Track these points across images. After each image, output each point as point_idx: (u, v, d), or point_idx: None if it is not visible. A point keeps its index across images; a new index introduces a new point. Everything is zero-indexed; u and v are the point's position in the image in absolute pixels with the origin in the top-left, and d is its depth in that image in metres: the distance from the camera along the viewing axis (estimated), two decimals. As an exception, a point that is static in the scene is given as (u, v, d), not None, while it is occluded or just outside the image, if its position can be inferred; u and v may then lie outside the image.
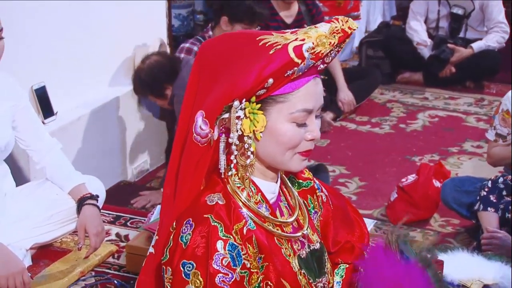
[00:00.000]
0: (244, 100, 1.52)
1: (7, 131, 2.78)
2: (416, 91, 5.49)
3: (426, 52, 5.49)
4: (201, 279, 1.50)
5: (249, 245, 1.55)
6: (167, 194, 1.63)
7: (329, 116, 4.92)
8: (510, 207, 3.23)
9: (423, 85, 5.53)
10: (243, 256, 1.53)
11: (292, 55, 1.49)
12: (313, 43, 1.50)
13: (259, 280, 1.57)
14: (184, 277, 1.51)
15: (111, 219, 3.31)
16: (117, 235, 3.19)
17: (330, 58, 1.56)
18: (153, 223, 2.91)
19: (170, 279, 1.54)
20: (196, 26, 6.45)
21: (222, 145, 1.56)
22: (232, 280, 1.51)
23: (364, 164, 4.30)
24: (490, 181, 3.29)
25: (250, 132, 1.55)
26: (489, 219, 3.22)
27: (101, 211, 2.90)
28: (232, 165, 1.57)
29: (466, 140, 4.67)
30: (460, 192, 3.48)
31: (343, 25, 1.53)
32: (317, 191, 1.80)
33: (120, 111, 3.95)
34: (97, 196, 2.86)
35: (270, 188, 1.64)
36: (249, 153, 1.56)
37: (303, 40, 1.50)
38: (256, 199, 1.61)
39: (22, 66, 3.32)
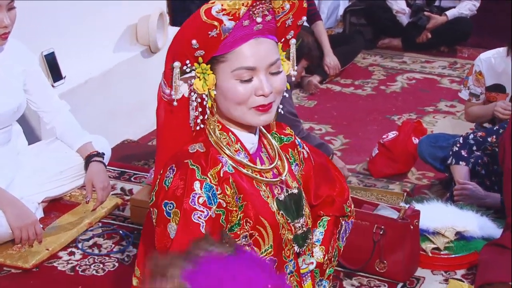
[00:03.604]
0: (187, 61, 1.53)
1: (19, 94, 2.75)
2: (395, 55, 5.44)
3: (404, 20, 5.44)
4: (179, 216, 1.52)
5: (226, 186, 1.56)
6: (158, 148, 1.64)
7: (316, 79, 4.87)
8: (479, 161, 3.22)
9: (402, 50, 5.48)
10: (218, 196, 1.55)
11: (204, 17, 1.49)
12: (222, 5, 1.49)
13: (239, 218, 1.58)
14: (166, 216, 1.53)
15: (116, 175, 3.28)
16: (122, 189, 3.16)
17: (263, 17, 1.53)
18: (155, 178, 2.88)
19: (155, 219, 1.56)
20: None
21: (192, 103, 1.58)
22: (208, 216, 1.53)
23: (348, 123, 4.27)
24: (461, 137, 3.27)
25: (205, 91, 1.56)
26: (461, 172, 3.20)
27: (107, 167, 2.88)
28: (199, 120, 1.58)
29: (441, 100, 4.64)
30: (434, 147, 3.47)
31: None
32: (298, 146, 1.79)
33: (124, 75, 3.90)
34: (103, 154, 2.84)
35: (249, 138, 1.64)
36: (206, 109, 1.58)
37: (213, 2, 1.50)
38: (236, 148, 1.62)
39: (33, 33, 3.26)
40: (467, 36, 5.42)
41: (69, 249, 2.74)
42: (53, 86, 3.33)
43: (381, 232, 2.61)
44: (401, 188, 3.47)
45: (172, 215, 1.53)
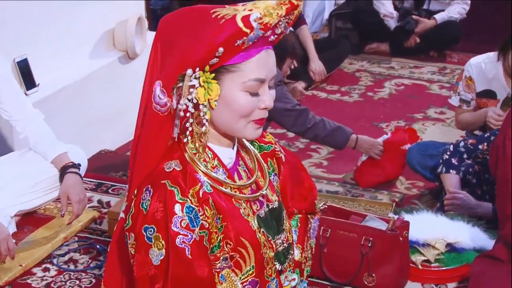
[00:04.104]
0: (197, 69, 1.51)
1: (-11, 103, 2.72)
2: (383, 60, 5.46)
3: (392, 24, 5.47)
4: (162, 241, 1.50)
5: (206, 207, 1.55)
6: (136, 163, 1.61)
7: (301, 85, 4.88)
8: (470, 170, 3.24)
9: (390, 55, 5.51)
10: (200, 218, 1.53)
11: (241, 24, 1.47)
12: (260, 13, 1.48)
13: (218, 239, 1.57)
14: (147, 241, 1.51)
15: (93, 187, 3.26)
16: (99, 201, 3.15)
17: (280, 29, 1.54)
18: (133, 190, 2.87)
19: (134, 244, 1.53)
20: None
21: (179, 114, 1.55)
22: (192, 240, 1.51)
23: (334, 131, 4.27)
24: (452, 145, 3.28)
25: (205, 101, 1.53)
26: (451, 181, 3.22)
27: (83, 179, 2.86)
28: (187, 132, 1.55)
29: (430, 106, 4.66)
30: (424, 156, 3.48)
31: None
32: (277, 152, 1.79)
33: (101, 82, 3.89)
34: (79, 165, 2.83)
35: (226, 153, 1.63)
36: (204, 121, 1.55)
37: (251, 10, 1.48)
38: (213, 164, 1.60)
39: (4, 39, 3.25)
40: (456, 41, 5.46)
41: (44, 265, 2.72)
42: (26, 94, 3.31)
43: (369, 244, 2.62)
44: (390, 198, 3.48)
45: (153, 240, 1.50)
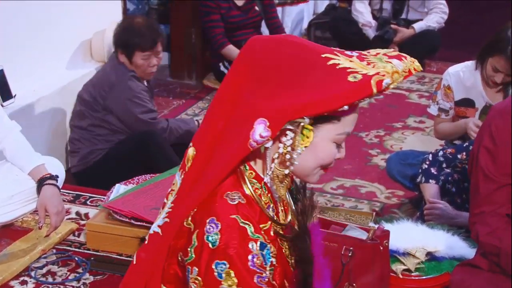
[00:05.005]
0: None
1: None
2: (362, 70, 5.49)
3: (370, 33, 5.51)
4: (234, 279, 1.48)
5: (273, 246, 1.55)
6: (187, 182, 1.58)
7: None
8: (449, 178, 3.27)
9: (369, 64, 5.54)
10: (271, 254, 1.53)
11: (374, 89, 1.47)
12: (390, 80, 1.49)
13: None
14: (217, 277, 1.48)
15: (71, 198, 3.26)
16: (77, 213, 3.14)
17: None
18: (112, 201, 2.87)
19: (197, 279, 1.50)
20: (151, 10, 6.35)
21: (269, 153, 1.55)
22: (267, 279, 1.51)
23: (314, 140, 4.30)
24: (430, 155, 3.32)
25: (299, 146, 1.53)
26: (431, 191, 3.25)
27: (61, 190, 2.86)
28: (270, 172, 1.56)
29: (409, 115, 4.71)
30: (404, 165, 3.51)
31: (411, 65, 1.54)
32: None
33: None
34: (57, 176, 2.82)
35: (278, 191, 1.63)
36: (288, 163, 1.55)
37: (384, 75, 1.48)
38: (266, 200, 1.59)
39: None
40: (435, 50, 5.51)
41: (21, 278, 2.70)
42: (2, 105, 3.31)
43: (349, 254, 2.63)
44: (370, 208, 3.51)
45: (224, 276, 1.48)
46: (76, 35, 3.94)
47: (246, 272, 1.48)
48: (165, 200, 1.66)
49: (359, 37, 5.53)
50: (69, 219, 3.06)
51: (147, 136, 3.56)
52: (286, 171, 1.56)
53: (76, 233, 2.98)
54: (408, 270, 2.75)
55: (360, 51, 1.57)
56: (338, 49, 1.57)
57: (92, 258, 2.78)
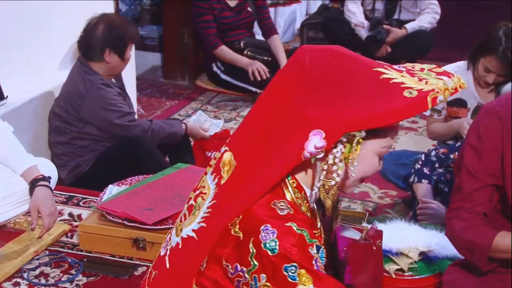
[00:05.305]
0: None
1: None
2: (355, 70, 5.50)
3: (363, 33, 5.52)
4: (308, 276, 1.52)
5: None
6: (228, 188, 1.59)
7: (273, 95, 4.91)
8: (442, 178, 3.28)
9: (361, 65, 5.55)
10: (324, 257, 1.60)
11: (430, 106, 1.52)
12: (443, 97, 1.54)
13: None
14: (291, 280, 1.52)
15: (64, 199, 3.25)
16: (70, 214, 3.14)
17: None
18: (105, 202, 2.87)
19: (267, 285, 1.53)
20: (143, 10, 6.36)
21: (319, 164, 1.57)
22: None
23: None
24: (423, 155, 3.33)
25: (348, 158, 1.56)
26: (423, 190, 3.27)
27: (54, 191, 2.86)
28: (318, 184, 1.58)
29: (402, 116, 4.71)
30: (397, 165, 3.53)
31: (457, 82, 1.59)
32: None
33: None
34: (49, 178, 2.82)
35: (313, 199, 1.66)
36: (335, 174, 1.57)
37: (438, 92, 1.52)
38: (304, 210, 1.63)
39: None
40: (427, 50, 5.52)
41: (14, 280, 2.70)
42: (-6, 106, 3.31)
43: (342, 254, 2.64)
44: (363, 208, 3.52)
45: (298, 278, 1.52)
46: (68, 36, 3.93)
47: (315, 272, 1.53)
48: (193, 202, 1.67)
49: (352, 38, 5.54)
50: (62, 220, 3.06)
51: (133, 141, 3.54)
52: (332, 182, 1.58)
53: (69, 234, 2.98)
54: (401, 270, 2.75)
55: (406, 66, 1.60)
56: (386, 63, 1.60)
57: (85, 259, 2.79)
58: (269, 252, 1.51)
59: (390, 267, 2.75)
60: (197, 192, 1.67)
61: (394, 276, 2.74)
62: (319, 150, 1.52)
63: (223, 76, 5.06)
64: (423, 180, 3.28)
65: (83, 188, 3.42)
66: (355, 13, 5.53)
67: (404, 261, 2.77)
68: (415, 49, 5.46)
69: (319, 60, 1.58)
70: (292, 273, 1.51)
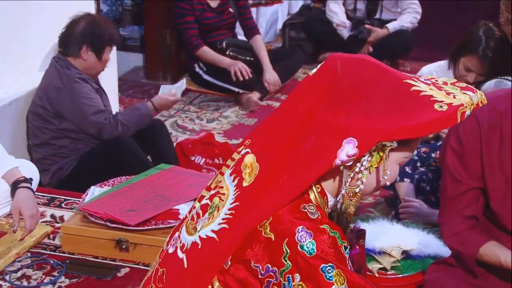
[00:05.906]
0: None
1: None
2: (337, 70, 5.52)
3: (345, 33, 5.55)
4: (343, 275, 1.56)
5: None
6: (253, 191, 1.61)
7: (256, 96, 4.93)
8: (424, 177, 3.31)
9: (343, 64, 5.57)
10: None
11: (459, 120, 1.55)
12: (469, 112, 1.57)
13: None
14: (328, 280, 1.55)
15: (46, 201, 3.24)
16: (52, 216, 3.13)
17: None
18: (88, 204, 2.86)
19: (301, 285, 1.56)
20: (124, 11, 6.35)
21: (346, 171, 1.60)
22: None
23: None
24: (406, 154, 3.35)
25: (374, 165, 1.59)
26: (405, 189, 3.29)
27: (36, 193, 2.84)
28: (343, 191, 1.61)
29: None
30: (379, 164, 3.53)
31: (480, 97, 1.61)
32: None
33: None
34: (31, 179, 2.81)
35: (331, 203, 1.69)
36: (359, 182, 1.60)
37: (466, 107, 1.56)
38: (323, 214, 1.65)
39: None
40: (409, 49, 5.56)
41: (-4, 282, 2.69)
42: (-25, 108, 3.29)
43: (326, 253, 2.65)
44: (346, 207, 3.53)
45: (334, 277, 1.55)
46: (48, 37, 3.92)
47: (349, 272, 1.57)
48: (207, 202, 1.68)
49: (334, 37, 5.57)
50: (44, 222, 3.04)
51: (113, 141, 3.54)
52: (357, 189, 1.61)
53: (51, 236, 2.97)
54: (384, 268, 2.77)
55: (429, 78, 1.63)
56: (411, 75, 1.63)
57: (67, 261, 2.78)
58: (306, 254, 1.55)
59: (373, 266, 2.76)
60: (213, 191, 1.68)
61: (377, 275, 2.75)
62: (351, 158, 1.56)
63: (206, 77, 5.06)
64: (405, 179, 3.30)
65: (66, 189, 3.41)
66: (336, 13, 5.55)
67: (387, 260, 2.78)
68: (396, 48, 5.50)
69: (350, 69, 1.61)
70: (329, 273, 1.55)
